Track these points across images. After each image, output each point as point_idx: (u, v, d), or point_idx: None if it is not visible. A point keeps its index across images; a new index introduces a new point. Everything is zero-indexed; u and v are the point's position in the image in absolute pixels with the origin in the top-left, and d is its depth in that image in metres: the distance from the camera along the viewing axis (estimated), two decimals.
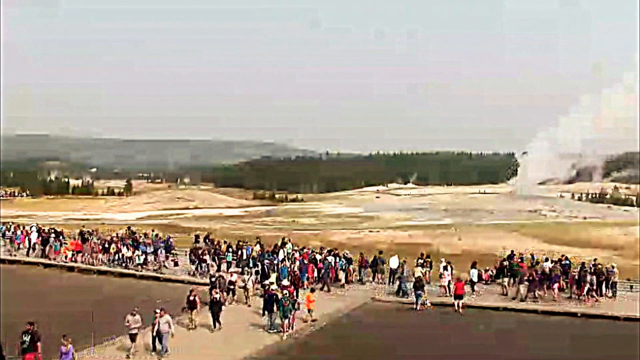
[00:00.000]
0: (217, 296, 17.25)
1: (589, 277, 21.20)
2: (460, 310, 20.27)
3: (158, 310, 14.90)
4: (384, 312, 20.79)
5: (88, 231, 32.07)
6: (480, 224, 57.24)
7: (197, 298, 16.90)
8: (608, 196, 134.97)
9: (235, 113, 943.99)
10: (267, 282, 20.15)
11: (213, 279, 20.18)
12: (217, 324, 17.08)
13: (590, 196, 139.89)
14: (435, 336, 18.08)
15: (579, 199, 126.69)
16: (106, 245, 27.91)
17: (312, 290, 19.22)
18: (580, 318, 19.64)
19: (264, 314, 18.24)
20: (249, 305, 19.88)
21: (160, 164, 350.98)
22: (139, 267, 26.14)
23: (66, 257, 28.16)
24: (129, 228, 34.58)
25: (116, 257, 27.35)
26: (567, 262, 24.13)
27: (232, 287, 20.36)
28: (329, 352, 16.43)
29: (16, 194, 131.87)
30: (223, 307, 18.92)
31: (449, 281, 21.77)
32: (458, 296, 20.43)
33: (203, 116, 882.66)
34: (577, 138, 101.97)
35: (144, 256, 26.51)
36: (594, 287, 21.05)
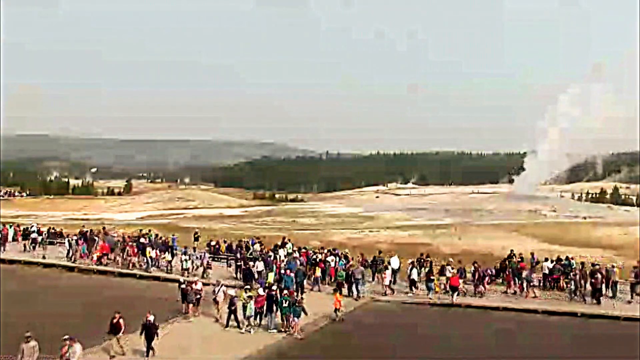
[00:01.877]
0: (152, 318, 14.88)
1: (524, 273, 22.34)
2: (455, 300, 21.01)
3: (66, 338, 12.84)
4: (384, 312, 20.80)
5: (89, 230, 31.96)
6: (480, 224, 57.19)
7: (121, 320, 14.73)
8: (608, 196, 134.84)
9: (235, 113, 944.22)
10: (232, 292, 18.38)
11: (184, 286, 18.97)
12: (150, 352, 14.77)
13: (590, 196, 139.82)
14: (435, 336, 18.08)
15: (579, 199, 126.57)
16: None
17: (336, 291, 20.26)
18: (580, 318, 19.66)
19: (227, 325, 17.52)
20: (216, 320, 18.21)
21: (160, 164, 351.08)
22: (185, 272, 25.16)
23: (91, 259, 27.56)
24: (103, 228, 33.94)
25: (150, 261, 26.40)
26: (567, 262, 24.14)
27: (198, 296, 18.79)
28: (329, 352, 16.43)
29: (16, 194, 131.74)
30: (191, 320, 18.18)
31: (390, 281, 22.75)
32: (453, 288, 21.21)
33: (203, 116, 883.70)
34: (576, 138, 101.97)
35: (190, 261, 25.61)
36: (532, 282, 22.29)
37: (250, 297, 17.40)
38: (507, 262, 24.26)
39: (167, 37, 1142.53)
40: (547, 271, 23.53)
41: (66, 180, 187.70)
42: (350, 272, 22.28)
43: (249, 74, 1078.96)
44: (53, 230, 34.93)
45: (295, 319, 17.14)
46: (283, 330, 17.29)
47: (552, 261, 23.93)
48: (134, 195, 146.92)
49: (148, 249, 26.69)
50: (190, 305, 18.51)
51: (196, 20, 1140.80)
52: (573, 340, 17.62)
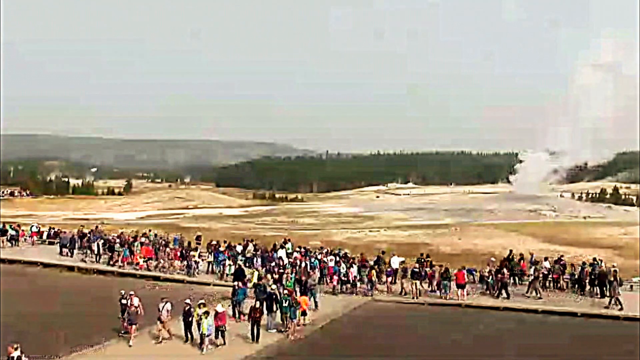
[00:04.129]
0: (16, 355, 11.81)
1: (435, 272, 22.52)
2: (465, 298, 21.26)
3: None
4: (384, 312, 20.80)
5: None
6: (480, 224, 57.26)
7: None
8: (608, 196, 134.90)
9: (236, 113, 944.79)
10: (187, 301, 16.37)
11: (124, 302, 16.63)
12: None
13: (590, 196, 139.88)
14: (435, 336, 18.08)
15: (579, 199, 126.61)
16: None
17: (305, 294, 19.45)
18: (580, 318, 19.66)
19: (187, 339, 16.02)
20: (160, 342, 15.96)
21: (160, 164, 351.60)
22: (228, 277, 23.74)
23: (137, 264, 26.32)
24: (96, 227, 32.83)
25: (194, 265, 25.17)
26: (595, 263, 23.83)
27: (137, 314, 16.16)
28: (329, 352, 16.43)
29: (16, 194, 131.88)
30: (130, 344, 15.78)
31: (355, 277, 22.61)
32: (460, 285, 21.33)
33: (203, 116, 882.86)
34: (577, 137, 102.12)
35: (235, 266, 24.03)
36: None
37: (206, 312, 15.53)
38: (507, 262, 24.27)
39: (167, 37, 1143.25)
40: (546, 271, 23.53)
41: (66, 180, 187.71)
42: (302, 281, 20.48)
43: (249, 74, 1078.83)
44: (54, 230, 34.92)
45: (292, 320, 17.14)
46: (283, 330, 17.30)
47: (555, 261, 23.95)
48: (134, 195, 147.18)
49: (192, 253, 25.57)
50: (131, 325, 15.98)
51: (195, 21, 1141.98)
52: (573, 340, 17.61)
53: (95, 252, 28.05)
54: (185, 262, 25.58)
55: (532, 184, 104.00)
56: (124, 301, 16.62)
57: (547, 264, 23.59)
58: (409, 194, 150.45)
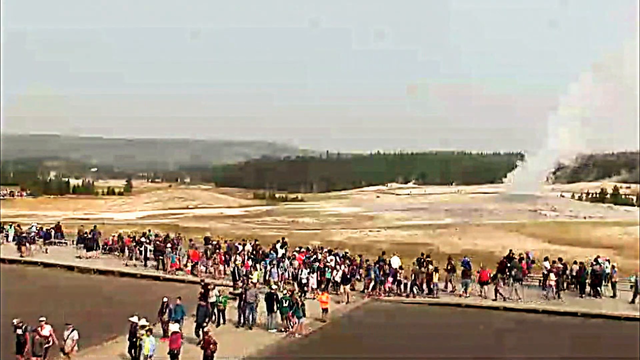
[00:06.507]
0: None
1: (371, 272, 22.69)
2: (485, 294, 21.66)
3: None
4: (384, 312, 20.81)
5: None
6: (480, 224, 57.18)
7: None
8: (608, 196, 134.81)
9: (235, 113, 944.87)
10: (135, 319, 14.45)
11: (19, 332, 13.72)
12: None
13: (590, 196, 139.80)
14: (435, 336, 18.08)
15: (579, 199, 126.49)
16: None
17: (324, 290, 20.09)
18: (580, 318, 19.67)
19: None
20: None
21: (160, 164, 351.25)
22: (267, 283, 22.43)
23: (180, 269, 25.75)
24: (94, 227, 32.14)
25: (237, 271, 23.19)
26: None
27: (47, 345, 13.67)
28: (329, 352, 16.43)
29: (16, 194, 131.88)
30: None
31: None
32: (483, 282, 21.81)
33: (203, 116, 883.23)
34: (576, 137, 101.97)
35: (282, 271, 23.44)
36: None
37: (149, 330, 13.76)
38: (506, 262, 24.24)
39: (166, 37, 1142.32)
40: (546, 271, 23.50)
41: (66, 180, 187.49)
42: (238, 295, 18.61)
43: (249, 74, 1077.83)
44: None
45: (297, 319, 17.16)
46: (283, 330, 17.30)
47: (553, 261, 23.91)
48: (134, 195, 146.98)
49: (235, 257, 24.66)
50: (35, 357, 13.54)
51: (195, 20, 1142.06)
52: (573, 340, 17.63)
53: (143, 256, 27.69)
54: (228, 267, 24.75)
55: (529, 183, 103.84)
56: (19, 331, 13.64)
57: (547, 264, 23.59)
58: (409, 194, 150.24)
